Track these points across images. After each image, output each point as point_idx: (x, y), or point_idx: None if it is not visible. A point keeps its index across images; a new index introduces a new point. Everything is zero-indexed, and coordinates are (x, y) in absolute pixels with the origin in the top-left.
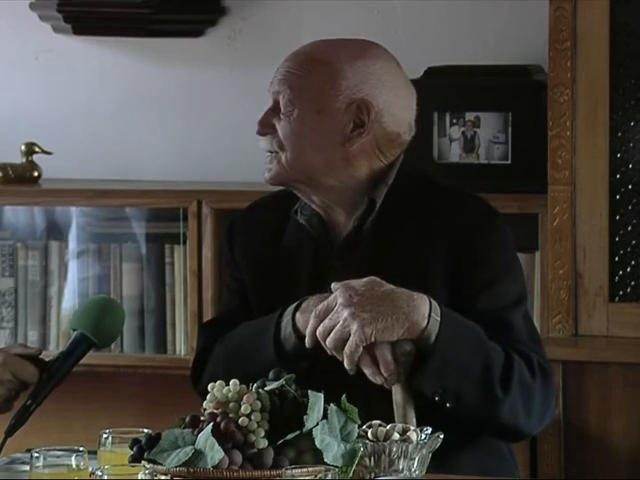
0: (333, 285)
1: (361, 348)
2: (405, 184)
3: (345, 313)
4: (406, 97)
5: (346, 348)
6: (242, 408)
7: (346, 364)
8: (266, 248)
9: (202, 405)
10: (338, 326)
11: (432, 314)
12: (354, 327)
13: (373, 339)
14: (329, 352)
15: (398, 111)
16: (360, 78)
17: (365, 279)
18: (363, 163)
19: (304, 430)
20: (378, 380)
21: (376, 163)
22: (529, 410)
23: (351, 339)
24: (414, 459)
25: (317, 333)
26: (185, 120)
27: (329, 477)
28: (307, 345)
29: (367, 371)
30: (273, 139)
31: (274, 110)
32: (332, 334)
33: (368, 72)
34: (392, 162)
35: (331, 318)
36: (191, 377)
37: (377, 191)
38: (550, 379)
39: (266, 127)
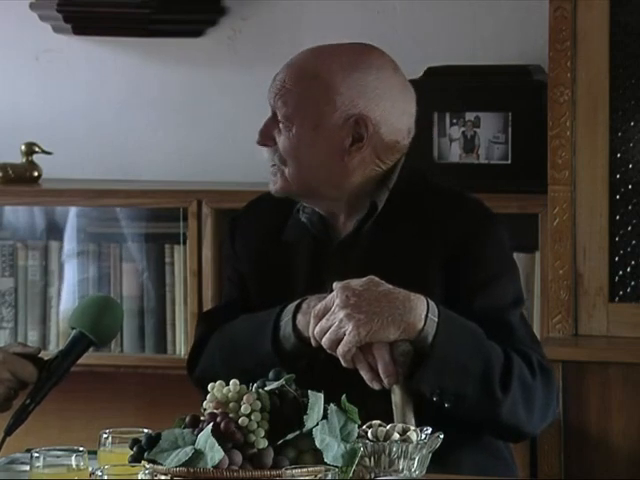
0: (334, 285)
1: (354, 348)
2: (404, 186)
3: (341, 314)
4: (404, 104)
5: (339, 348)
6: (242, 408)
7: (342, 363)
8: (266, 241)
9: (202, 405)
10: (334, 327)
11: (429, 315)
12: (349, 328)
13: (368, 339)
14: (328, 351)
15: (396, 120)
16: (355, 92)
17: (364, 279)
18: (362, 172)
19: (304, 430)
20: (375, 386)
21: (375, 170)
22: (530, 409)
23: (345, 339)
24: (414, 459)
25: (314, 333)
26: (185, 120)
27: (329, 477)
28: (313, 345)
29: (364, 376)
30: (275, 152)
31: (274, 121)
32: (327, 334)
33: (362, 85)
34: (393, 166)
35: (328, 319)
36: (187, 364)
37: (379, 194)
38: (551, 377)
39: (266, 139)
